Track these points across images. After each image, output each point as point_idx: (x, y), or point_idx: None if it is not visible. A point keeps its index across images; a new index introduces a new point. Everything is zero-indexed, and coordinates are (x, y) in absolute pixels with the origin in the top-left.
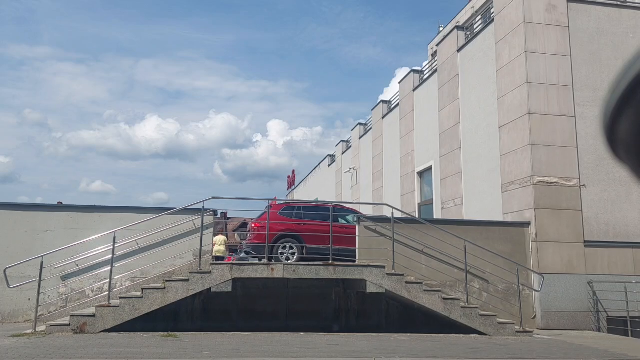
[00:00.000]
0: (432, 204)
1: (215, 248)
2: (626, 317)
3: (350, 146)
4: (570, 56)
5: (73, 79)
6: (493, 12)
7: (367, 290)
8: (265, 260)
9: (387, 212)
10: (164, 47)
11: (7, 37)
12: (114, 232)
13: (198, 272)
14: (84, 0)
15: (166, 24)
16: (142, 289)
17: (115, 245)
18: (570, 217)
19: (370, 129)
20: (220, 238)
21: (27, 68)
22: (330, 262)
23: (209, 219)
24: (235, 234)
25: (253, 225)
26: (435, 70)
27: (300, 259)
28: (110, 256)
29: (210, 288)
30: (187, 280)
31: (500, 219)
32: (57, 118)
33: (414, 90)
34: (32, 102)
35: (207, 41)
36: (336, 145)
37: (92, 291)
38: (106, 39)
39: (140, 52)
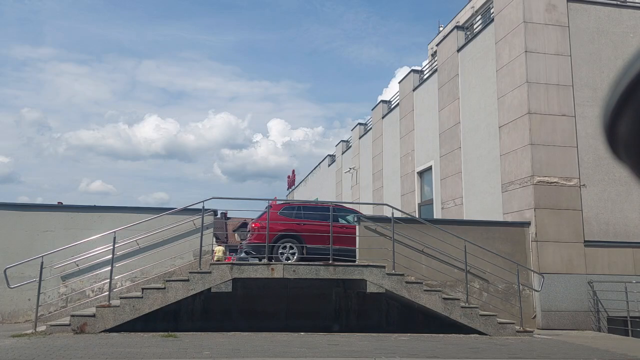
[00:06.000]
0: (432, 203)
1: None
2: (626, 317)
3: (350, 146)
4: (570, 56)
5: (75, 79)
6: (493, 12)
7: (367, 290)
8: (265, 260)
9: (387, 212)
10: (166, 47)
11: (10, 38)
12: (114, 232)
13: (198, 272)
14: (87, 1)
15: (168, 25)
16: (142, 289)
17: (116, 245)
18: (570, 217)
19: (370, 129)
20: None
21: (30, 69)
22: (330, 262)
23: (209, 219)
24: (236, 234)
25: (253, 225)
26: (435, 70)
27: (300, 259)
28: (110, 256)
29: (210, 288)
30: (187, 280)
31: (500, 218)
32: (59, 119)
33: (413, 90)
34: (34, 102)
35: (210, 42)
36: (336, 145)
37: (92, 291)
38: (109, 40)
39: (143, 52)
